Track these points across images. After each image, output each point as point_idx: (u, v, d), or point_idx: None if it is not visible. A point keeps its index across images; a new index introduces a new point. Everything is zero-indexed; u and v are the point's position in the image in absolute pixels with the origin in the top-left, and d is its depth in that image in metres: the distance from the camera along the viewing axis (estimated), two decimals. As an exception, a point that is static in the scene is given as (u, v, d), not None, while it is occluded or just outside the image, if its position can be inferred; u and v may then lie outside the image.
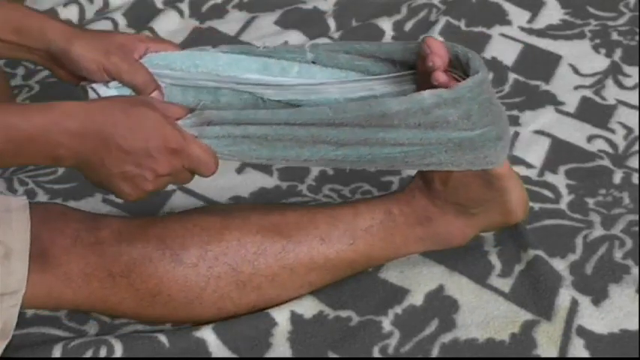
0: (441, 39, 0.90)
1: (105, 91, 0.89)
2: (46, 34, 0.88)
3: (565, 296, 0.94)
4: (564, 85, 1.26)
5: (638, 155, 1.14)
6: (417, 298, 0.95)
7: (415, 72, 0.90)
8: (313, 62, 0.93)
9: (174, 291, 0.89)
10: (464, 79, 0.84)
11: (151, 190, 0.83)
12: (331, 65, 0.93)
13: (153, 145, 0.80)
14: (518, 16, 1.41)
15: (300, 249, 0.92)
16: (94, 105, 0.81)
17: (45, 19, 0.89)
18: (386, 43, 0.93)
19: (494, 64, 1.29)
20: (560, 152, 1.15)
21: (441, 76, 0.84)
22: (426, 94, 0.83)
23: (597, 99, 1.24)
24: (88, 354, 0.88)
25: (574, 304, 0.94)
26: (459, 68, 0.86)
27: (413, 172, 1.11)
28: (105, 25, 1.37)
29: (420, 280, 0.97)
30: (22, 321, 0.87)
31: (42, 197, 1.07)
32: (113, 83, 0.89)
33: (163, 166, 0.81)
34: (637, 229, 1.02)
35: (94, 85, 0.89)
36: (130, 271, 0.88)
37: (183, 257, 0.88)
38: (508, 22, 1.39)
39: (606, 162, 1.13)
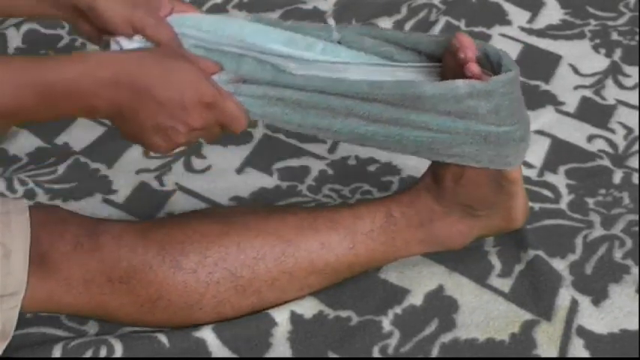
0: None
1: (128, 44, 0.88)
2: None
3: (565, 296, 0.94)
4: (564, 85, 1.26)
5: (638, 155, 1.14)
6: (417, 298, 0.95)
7: (440, 65, 0.90)
8: (339, 42, 0.93)
9: (174, 297, 0.88)
10: (491, 76, 0.85)
11: (182, 144, 0.83)
12: (356, 47, 0.92)
13: (188, 98, 0.79)
14: (518, 16, 1.41)
15: (299, 253, 0.91)
16: (129, 55, 0.80)
17: None
18: (413, 32, 0.93)
19: (494, 64, 1.29)
20: (560, 152, 1.15)
21: (475, 67, 0.85)
22: (460, 82, 0.84)
23: (597, 99, 1.24)
24: (88, 354, 0.88)
25: (574, 304, 0.94)
26: (487, 67, 0.87)
27: (413, 172, 1.11)
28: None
29: (420, 280, 0.97)
30: (22, 321, 0.87)
31: (42, 197, 1.07)
32: (137, 37, 0.88)
33: (197, 119, 0.81)
34: (637, 229, 1.03)
35: (118, 38, 0.88)
36: (130, 277, 0.88)
37: (182, 263, 0.88)
38: (508, 22, 1.39)
39: (606, 162, 1.13)
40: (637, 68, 1.29)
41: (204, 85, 0.81)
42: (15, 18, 1.35)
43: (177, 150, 0.83)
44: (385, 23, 1.37)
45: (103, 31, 0.89)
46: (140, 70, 0.78)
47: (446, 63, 0.89)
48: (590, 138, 1.18)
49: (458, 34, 0.87)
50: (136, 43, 0.88)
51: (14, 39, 1.32)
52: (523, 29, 1.38)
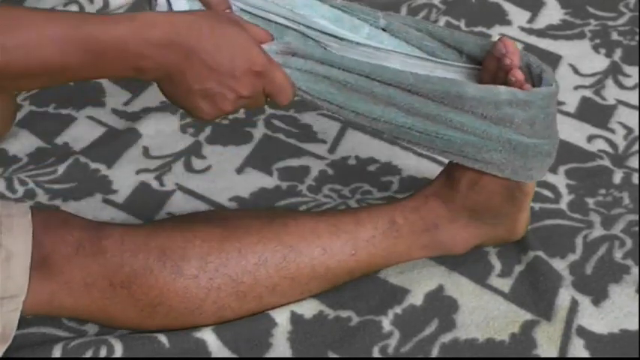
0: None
1: (176, 2, 0.86)
2: None
3: (565, 296, 0.94)
4: (564, 85, 1.26)
5: (638, 155, 1.14)
6: (417, 298, 0.95)
7: (479, 68, 0.90)
8: (383, 29, 0.92)
9: (175, 302, 0.88)
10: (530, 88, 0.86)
11: (228, 111, 0.82)
12: (400, 37, 0.92)
13: (238, 65, 0.79)
14: (518, 16, 1.41)
15: (301, 259, 0.91)
16: (180, 17, 0.79)
17: None
18: (459, 32, 0.93)
19: (494, 64, 1.29)
20: (560, 152, 1.14)
21: (519, 74, 0.85)
22: (502, 89, 0.84)
23: (597, 99, 1.24)
24: (88, 354, 0.88)
25: (574, 304, 0.94)
26: (527, 79, 0.88)
27: (413, 172, 1.11)
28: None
29: (420, 280, 0.97)
30: (23, 321, 0.87)
31: (42, 197, 1.07)
32: None
33: (245, 87, 0.80)
34: (637, 229, 1.02)
35: None
36: (131, 282, 0.87)
37: (183, 268, 0.88)
38: (508, 22, 1.39)
39: (606, 162, 1.13)
40: (637, 68, 1.29)
41: (255, 53, 0.80)
42: None
43: (222, 116, 0.82)
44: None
45: None
46: (191, 33, 0.77)
47: (486, 66, 0.89)
48: (590, 138, 1.18)
49: (504, 39, 0.87)
50: (184, 1, 0.86)
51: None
52: (523, 29, 1.38)
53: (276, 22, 0.90)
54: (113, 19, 0.76)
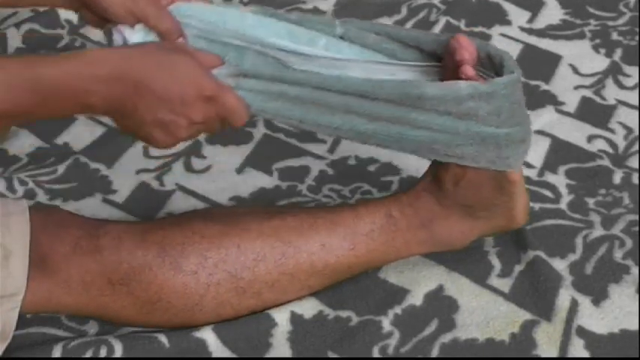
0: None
1: (130, 33, 0.88)
2: None
3: (565, 296, 0.94)
4: (564, 85, 1.26)
5: (638, 155, 1.14)
6: (416, 298, 0.95)
7: (440, 65, 0.90)
8: (341, 38, 0.92)
9: (174, 298, 0.88)
10: (492, 78, 0.85)
11: (183, 138, 0.82)
12: (359, 43, 0.92)
13: (188, 92, 0.79)
14: (518, 16, 1.41)
15: (300, 255, 0.91)
16: (126, 51, 0.80)
17: None
18: (417, 30, 0.93)
19: (494, 64, 1.29)
20: (560, 152, 1.15)
21: (469, 70, 0.85)
22: (463, 84, 0.84)
23: (597, 99, 1.24)
24: (88, 354, 0.88)
25: (574, 304, 0.94)
26: (490, 68, 0.87)
27: (413, 172, 1.11)
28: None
29: (420, 280, 0.97)
30: (22, 321, 0.87)
31: (42, 197, 1.07)
32: (139, 26, 0.88)
33: (197, 113, 0.81)
34: (637, 229, 1.02)
35: (120, 27, 0.88)
36: (130, 279, 0.87)
37: (182, 265, 0.88)
38: (508, 22, 1.39)
39: (606, 162, 1.13)
40: (637, 68, 1.29)
41: (204, 79, 0.81)
42: (16, 14, 1.36)
43: (178, 145, 0.83)
44: (385, 23, 1.37)
45: (105, 21, 0.89)
46: (138, 65, 0.78)
47: (445, 63, 0.89)
48: (590, 138, 1.18)
49: (457, 35, 0.87)
50: (139, 33, 0.88)
51: (14, 39, 1.32)
52: (523, 29, 1.38)
53: (234, 45, 0.91)
54: (61, 57, 0.77)
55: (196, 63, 0.82)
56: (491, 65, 0.87)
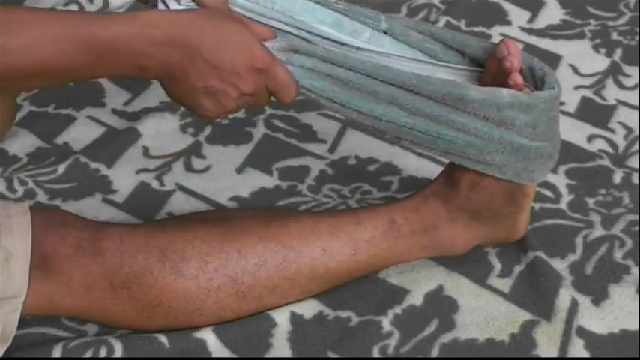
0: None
1: (175, 5, 0.86)
2: None
3: (565, 296, 0.94)
4: (564, 85, 1.26)
5: (638, 155, 1.14)
6: (416, 299, 0.95)
7: (481, 70, 0.90)
8: (385, 32, 0.92)
9: (175, 302, 0.88)
10: (531, 90, 0.86)
11: (231, 109, 0.82)
12: (402, 40, 0.93)
13: (240, 62, 0.79)
14: (518, 16, 1.41)
15: (301, 260, 0.91)
16: (181, 15, 0.79)
17: None
18: (462, 34, 0.93)
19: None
20: (560, 152, 1.14)
21: (518, 77, 0.85)
22: (505, 91, 0.85)
23: (597, 99, 1.24)
24: (88, 354, 0.88)
25: (574, 304, 0.94)
26: (529, 81, 0.88)
27: (413, 172, 1.11)
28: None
29: (420, 280, 0.97)
30: (23, 321, 0.87)
31: (42, 197, 1.07)
32: (185, 0, 0.86)
33: (248, 84, 0.80)
34: (637, 229, 1.02)
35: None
36: (131, 283, 0.87)
37: (183, 269, 0.88)
38: (508, 22, 1.39)
39: (606, 162, 1.13)
40: (637, 68, 1.29)
41: (257, 50, 0.80)
42: None
43: (225, 115, 0.81)
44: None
45: None
46: (192, 31, 0.77)
47: (488, 69, 0.89)
48: (590, 138, 1.18)
49: (507, 41, 0.87)
50: (183, 4, 0.86)
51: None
52: (523, 29, 1.38)
53: (277, 29, 0.90)
54: (114, 18, 0.76)
55: (250, 33, 0.81)
56: (531, 77, 0.88)
